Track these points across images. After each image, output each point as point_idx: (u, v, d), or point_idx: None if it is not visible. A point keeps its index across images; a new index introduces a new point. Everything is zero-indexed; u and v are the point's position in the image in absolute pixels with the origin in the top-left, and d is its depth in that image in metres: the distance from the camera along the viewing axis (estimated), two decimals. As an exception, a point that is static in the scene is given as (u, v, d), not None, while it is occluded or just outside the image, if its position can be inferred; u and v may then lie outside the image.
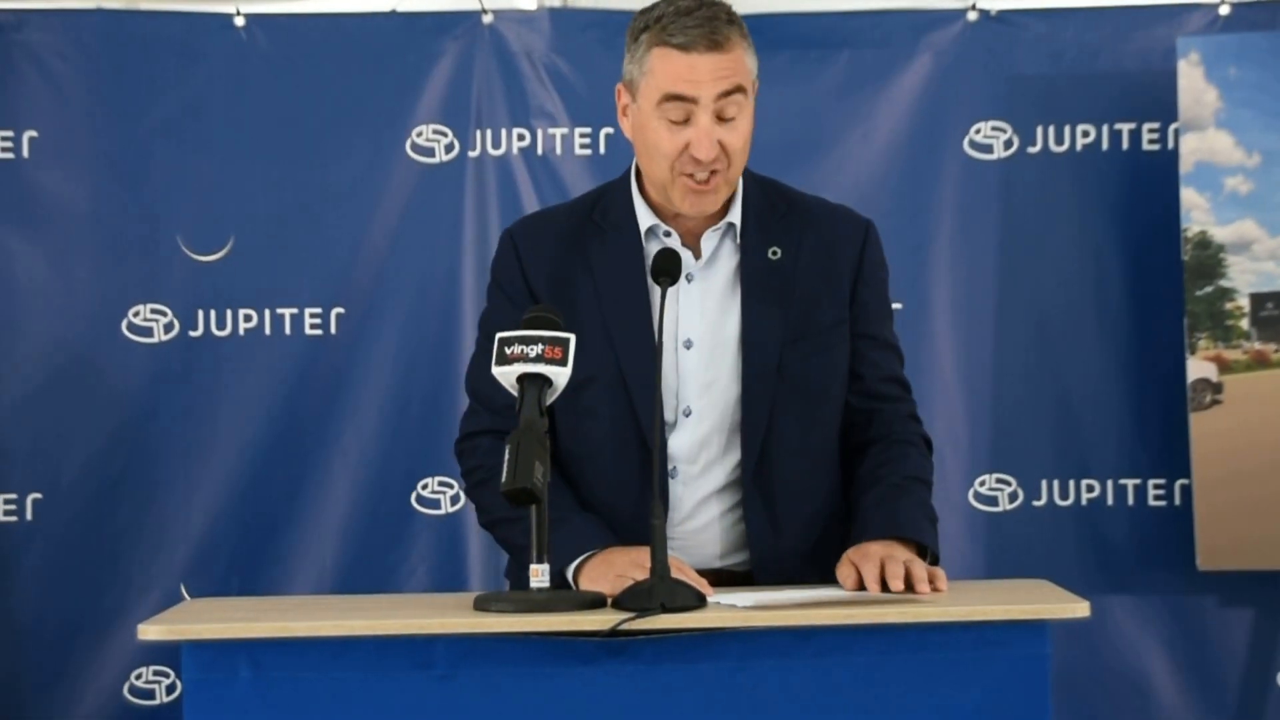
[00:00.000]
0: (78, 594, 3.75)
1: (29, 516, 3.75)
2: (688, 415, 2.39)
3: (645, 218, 2.42)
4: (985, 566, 3.79)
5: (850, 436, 2.48)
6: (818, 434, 2.45)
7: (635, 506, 2.34)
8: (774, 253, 2.42)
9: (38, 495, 3.76)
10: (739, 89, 2.32)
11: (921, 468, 2.46)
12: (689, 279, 2.40)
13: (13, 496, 3.76)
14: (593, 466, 2.38)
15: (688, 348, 2.40)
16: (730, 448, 2.41)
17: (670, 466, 2.39)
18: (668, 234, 2.41)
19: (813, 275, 2.43)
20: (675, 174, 2.34)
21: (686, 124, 2.31)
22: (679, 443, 2.39)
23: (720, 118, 2.31)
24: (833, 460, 2.48)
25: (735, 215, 2.42)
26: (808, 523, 2.44)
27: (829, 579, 2.40)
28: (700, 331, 2.40)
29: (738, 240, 2.42)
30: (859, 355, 2.46)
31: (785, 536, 2.42)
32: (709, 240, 2.42)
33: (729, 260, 2.42)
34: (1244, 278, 3.69)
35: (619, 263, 2.40)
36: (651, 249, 2.40)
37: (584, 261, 2.41)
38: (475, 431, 2.45)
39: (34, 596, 3.75)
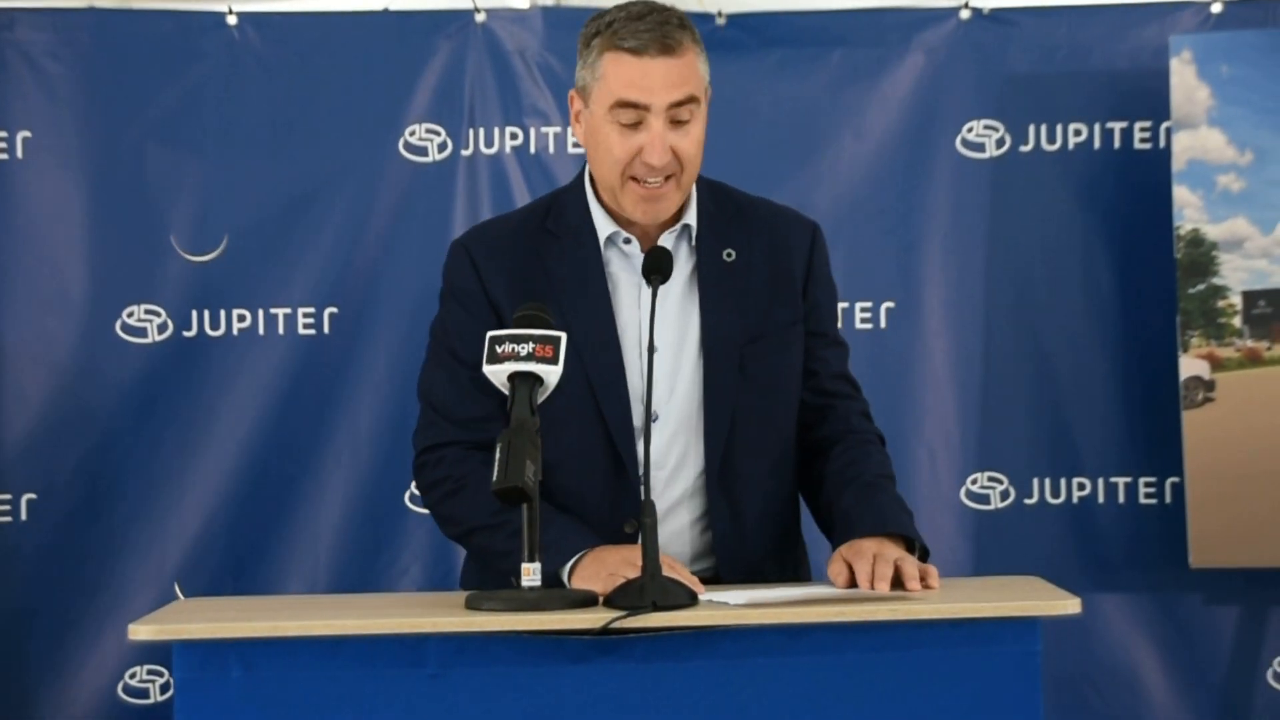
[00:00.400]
0: (72, 593, 3.74)
1: (24, 516, 3.75)
2: (654, 420, 2.39)
3: (604, 225, 2.42)
4: (976, 564, 3.80)
5: (803, 434, 2.50)
6: (776, 433, 2.46)
7: (605, 514, 2.36)
8: (728, 254, 2.43)
9: (32, 495, 3.76)
10: (691, 99, 2.32)
11: (886, 465, 2.48)
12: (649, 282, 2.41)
13: (7, 497, 3.76)
14: (562, 474, 2.35)
15: (652, 353, 2.40)
16: (695, 451, 2.42)
17: (639, 473, 2.38)
18: (627, 241, 2.41)
19: (766, 276, 2.44)
20: (625, 179, 2.34)
21: (638, 129, 2.31)
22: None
23: (673, 122, 2.32)
24: (790, 459, 2.49)
25: (691, 217, 2.43)
26: (769, 522, 2.46)
27: (788, 577, 2.42)
28: (663, 336, 2.39)
29: (693, 243, 2.43)
30: (810, 353, 2.48)
31: (749, 536, 2.43)
32: (665, 243, 2.42)
33: (685, 263, 2.43)
34: (1236, 275, 3.70)
35: (579, 270, 2.40)
36: (611, 256, 2.41)
37: (542, 269, 2.41)
38: (440, 443, 2.43)
39: (29, 596, 3.75)
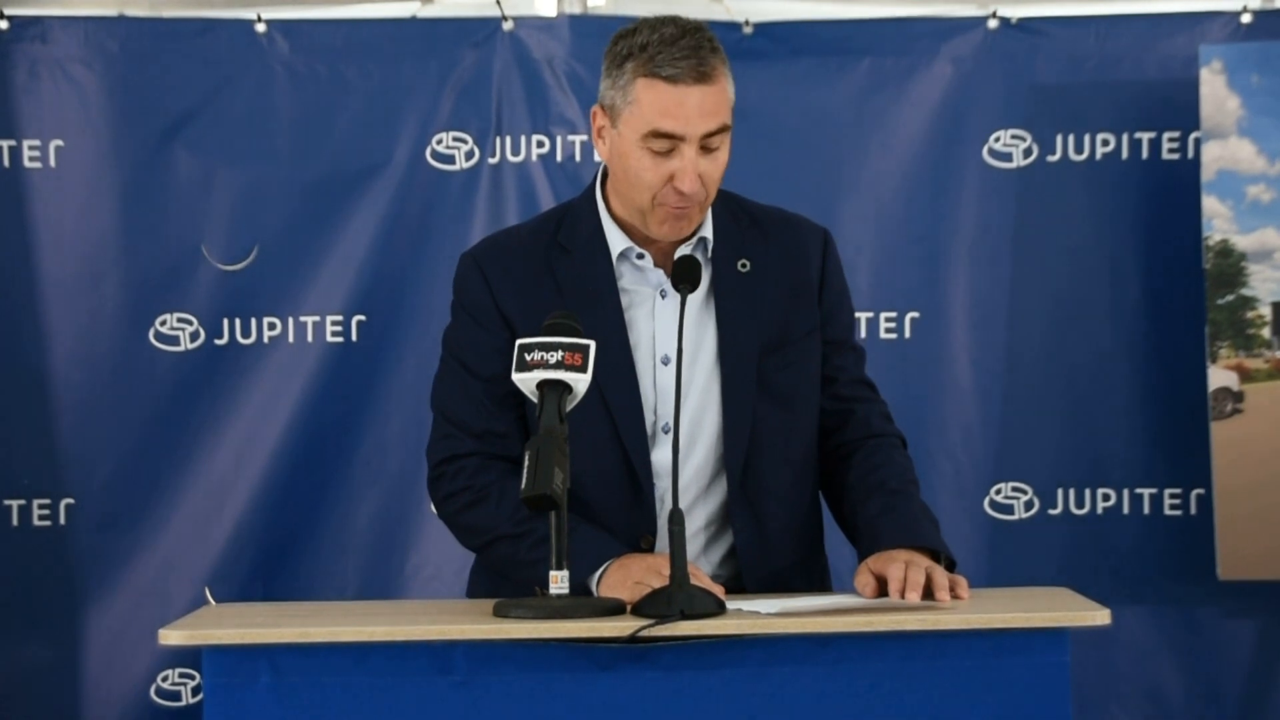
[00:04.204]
0: (107, 596, 3.78)
1: (62, 520, 3.79)
2: (667, 432, 2.38)
3: (617, 240, 2.42)
4: (998, 574, 3.78)
5: (825, 439, 2.50)
6: (798, 443, 2.46)
7: (619, 525, 2.35)
8: (743, 265, 2.43)
9: (70, 500, 3.79)
10: (724, 128, 2.32)
11: (909, 469, 2.47)
12: (663, 295, 2.41)
13: (45, 501, 3.79)
14: (576, 487, 2.29)
15: (665, 364, 2.39)
16: (710, 461, 2.41)
17: (651, 483, 2.38)
18: (640, 256, 2.42)
19: (782, 285, 2.44)
20: (656, 204, 2.34)
21: (670, 156, 2.31)
22: (660, 459, 2.38)
23: (703, 149, 2.31)
24: (812, 469, 2.49)
25: (707, 230, 2.43)
26: (793, 533, 2.45)
27: (813, 587, 2.42)
28: (677, 347, 2.36)
29: (708, 255, 2.43)
30: (827, 360, 2.48)
31: (773, 548, 2.43)
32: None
33: (702, 276, 2.41)
34: (1266, 286, 3.68)
35: (590, 283, 2.40)
36: (623, 270, 2.41)
37: (553, 282, 2.41)
38: (457, 455, 2.42)
39: (66, 598, 3.79)
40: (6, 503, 3.79)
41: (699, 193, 2.33)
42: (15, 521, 3.79)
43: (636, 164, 2.32)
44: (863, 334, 3.69)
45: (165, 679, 3.79)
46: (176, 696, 3.80)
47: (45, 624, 3.78)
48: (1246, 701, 3.80)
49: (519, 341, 2.21)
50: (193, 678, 3.78)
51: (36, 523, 3.79)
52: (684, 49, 2.29)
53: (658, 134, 2.29)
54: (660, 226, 2.37)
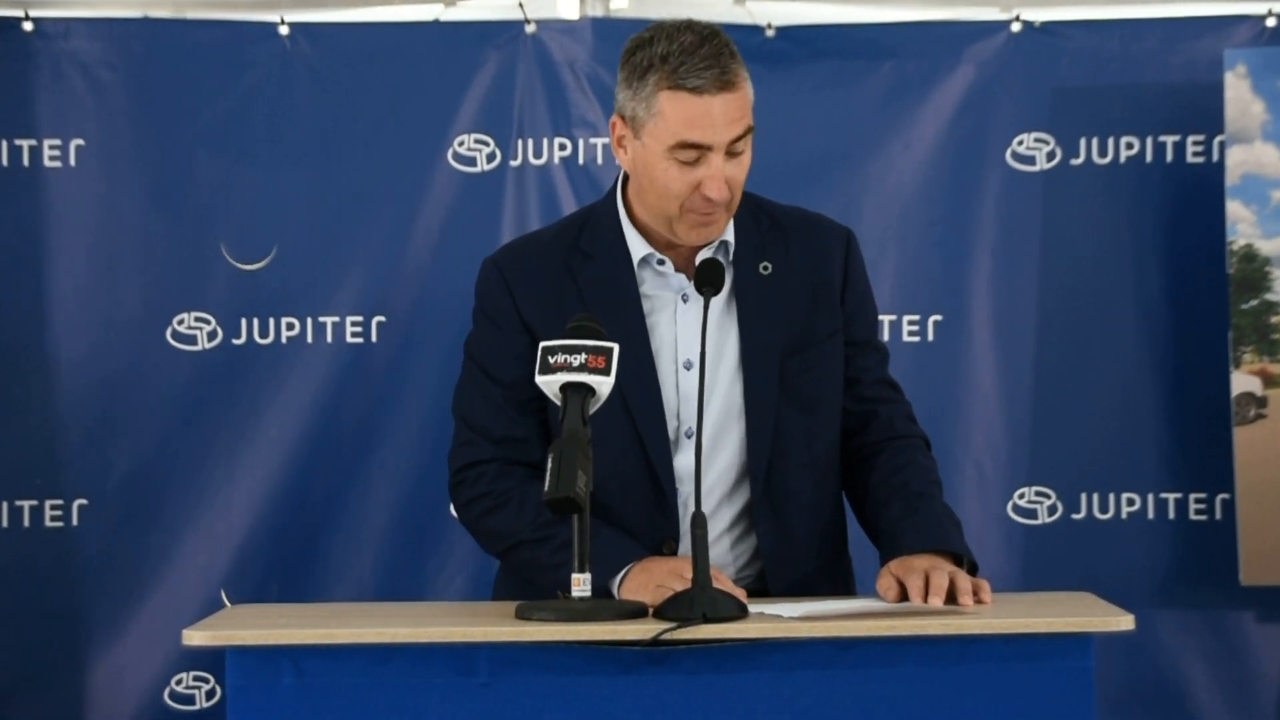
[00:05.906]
0: (120, 599, 3.77)
1: (75, 522, 3.78)
2: (690, 436, 2.38)
3: (638, 246, 2.42)
4: (1023, 579, 3.78)
5: (848, 441, 2.50)
6: (821, 446, 2.46)
7: (642, 530, 2.36)
8: (765, 267, 2.43)
9: (83, 501, 3.79)
10: (748, 130, 2.33)
11: (932, 471, 2.47)
12: (684, 299, 2.41)
13: (58, 502, 3.79)
14: (598, 491, 2.28)
15: (687, 368, 2.40)
16: (734, 466, 2.41)
17: (674, 488, 2.39)
18: (661, 262, 2.42)
19: (804, 287, 2.45)
20: (684, 211, 2.34)
21: (697, 164, 2.31)
22: (683, 464, 2.38)
23: (729, 154, 2.32)
24: (835, 472, 2.49)
25: (729, 233, 2.43)
26: (817, 536, 2.46)
27: (838, 591, 2.41)
28: (699, 352, 2.36)
29: (730, 258, 2.43)
30: (850, 361, 2.49)
31: (798, 551, 2.43)
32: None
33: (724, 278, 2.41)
34: (1289, 291, 3.67)
35: (611, 289, 2.40)
36: (645, 276, 2.42)
37: (574, 288, 2.41)
38: (478, 461, 2.43)
39: (78, 600, 3.78)
40: (18, 503, 3.78)
41: (726, 198, 2.33)
42: (27, 522, 3.78)
43: (663, 175, 2.33)
44: (885, 337, 3.67)
45: (179, 682, 3.79)
46: (191, 700, 3.80)
47: (58, 626, 3.76)
48: (1273, 707, 3.78)
49: (542, 344, 2.21)
50: (207, 680, 3.78)
51: (48, 524, 3.78)
52: (705, 58, 2.29)
53: (685, 145, 2.30)
54: (689, 233, 2.37)
